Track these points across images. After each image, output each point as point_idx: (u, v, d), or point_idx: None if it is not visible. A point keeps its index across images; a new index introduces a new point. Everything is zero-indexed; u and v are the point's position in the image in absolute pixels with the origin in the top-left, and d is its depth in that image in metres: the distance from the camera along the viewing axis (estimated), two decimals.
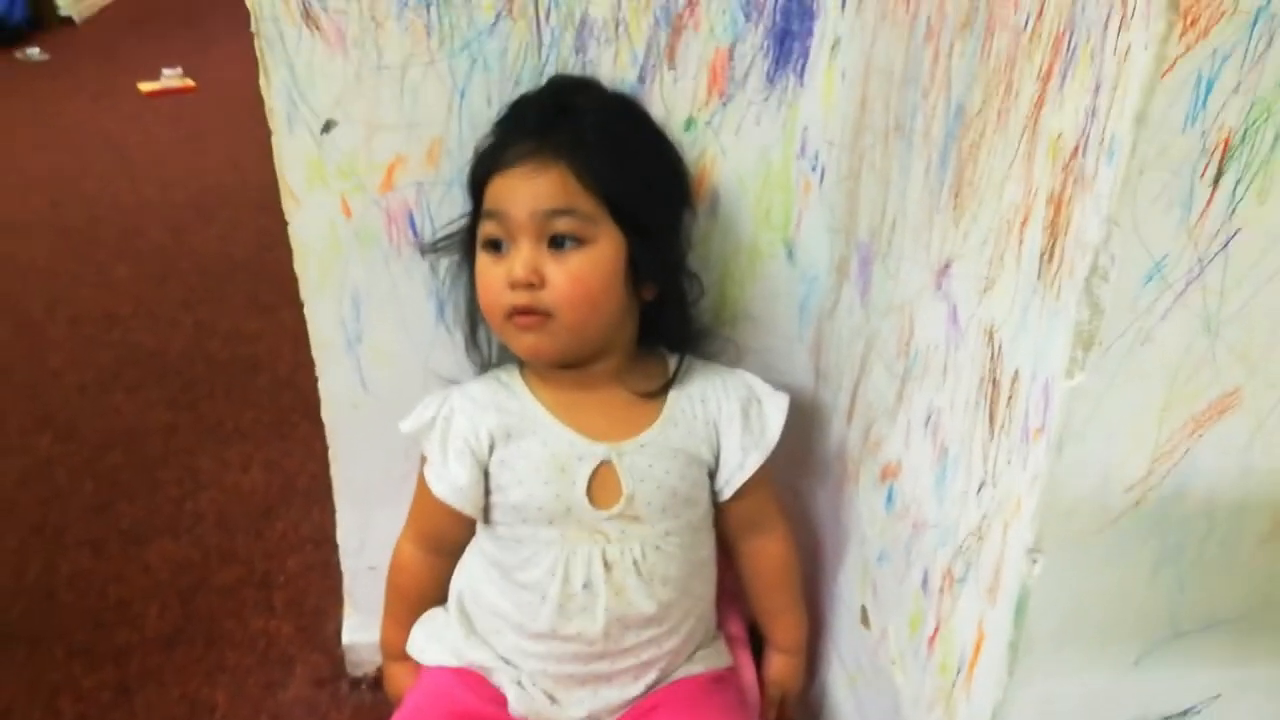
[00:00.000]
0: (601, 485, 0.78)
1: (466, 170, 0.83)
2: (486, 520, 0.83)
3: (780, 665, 0.90)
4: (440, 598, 0.89)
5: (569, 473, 0.78)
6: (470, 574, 0.86)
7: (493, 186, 0.77)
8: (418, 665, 0.88)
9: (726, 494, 0.83)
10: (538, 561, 0.79)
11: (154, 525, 1.37)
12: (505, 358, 0.87)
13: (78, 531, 1.36)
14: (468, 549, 0.87)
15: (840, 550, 0.88)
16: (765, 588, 0.89)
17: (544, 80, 0.82)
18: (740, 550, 0.88)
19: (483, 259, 0.78)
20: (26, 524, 1.37)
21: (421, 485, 0.84)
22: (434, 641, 0.86)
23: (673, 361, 0.84)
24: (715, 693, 0.83)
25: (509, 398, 0.82)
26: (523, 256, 0.75)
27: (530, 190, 0.75)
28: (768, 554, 0.88)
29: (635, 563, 0.79)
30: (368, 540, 1.05)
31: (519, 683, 0.81)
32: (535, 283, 0.75)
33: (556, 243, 0.75)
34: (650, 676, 0.81)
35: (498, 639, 0.83)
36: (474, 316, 0.85)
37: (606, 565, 0.78)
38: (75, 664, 1.15)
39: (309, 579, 1.26)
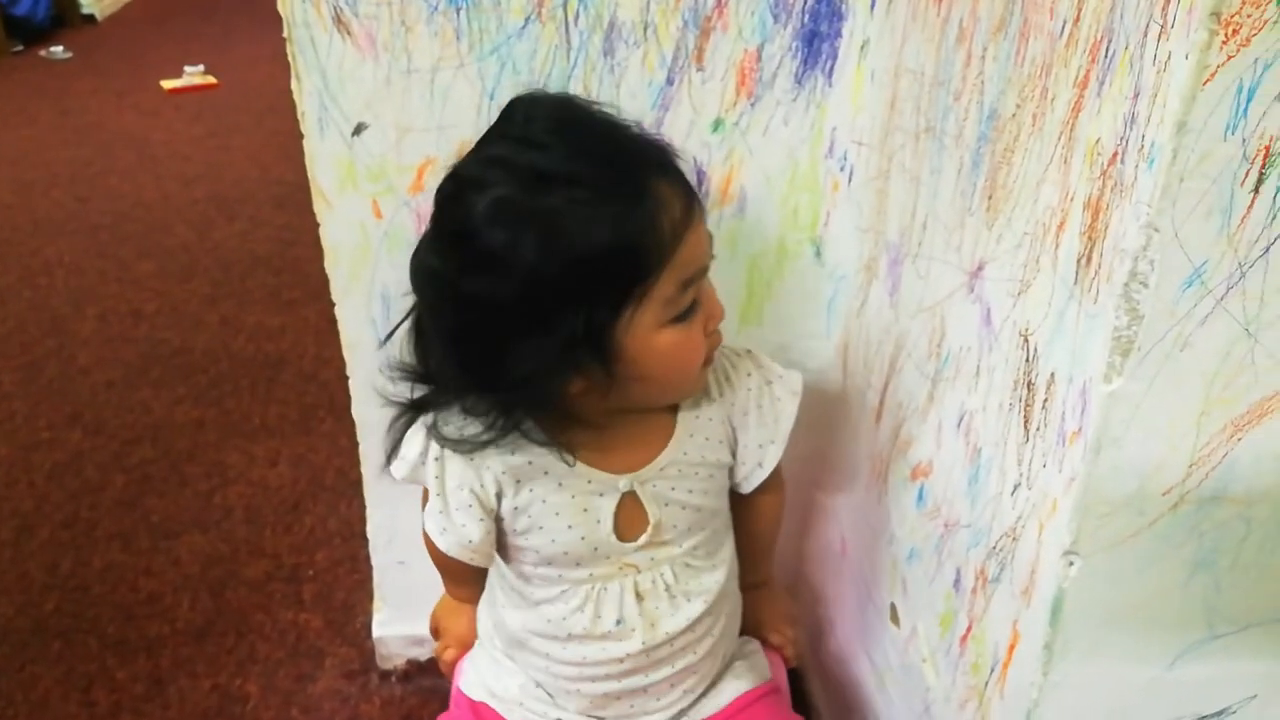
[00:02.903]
0: (626, 517, 0.73)
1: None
2: (505, 557, 0.77)
3: (756, 599, 0.87)
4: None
5: (593, 512, 0.73)
6: (494, 597, 0.82)
7: (684, 251, 0.64)
8: (474, 613, 0.86)
9: (745, 489, 0.79)
10: (565, 599, 0.75)
11: (183, 519, 1.39)
12: None
13: (108, 525, 1.38)
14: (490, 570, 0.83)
15: (868, 548, 0.88)
16: (756, 535, 0.85)
17: (572, 84, 0.82)
18: (737, 504, 0.82)
19: (677, 332, 0.66)
20: (58, 518, 1.40)
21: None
22: (473, 668, 0.83)
23: None
24: (768, 711, 0.81)
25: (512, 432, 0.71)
26: (714, 296, 0.70)
27: (706, 233, 0.68)
28: (765, 507, 0.84)
29: (667, 587, 0.75)
30: (397, 536, 1.06)
31: None
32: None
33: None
34: (688, 681, 0.78)
35: (526, 658, 0.79)
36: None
37: (639, 596, 0.75)
38: (109, 656, 1.17)
39: (337, 573, 1.28)
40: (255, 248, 2.21)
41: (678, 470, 0.74)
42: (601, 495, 0.73)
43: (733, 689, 0.81)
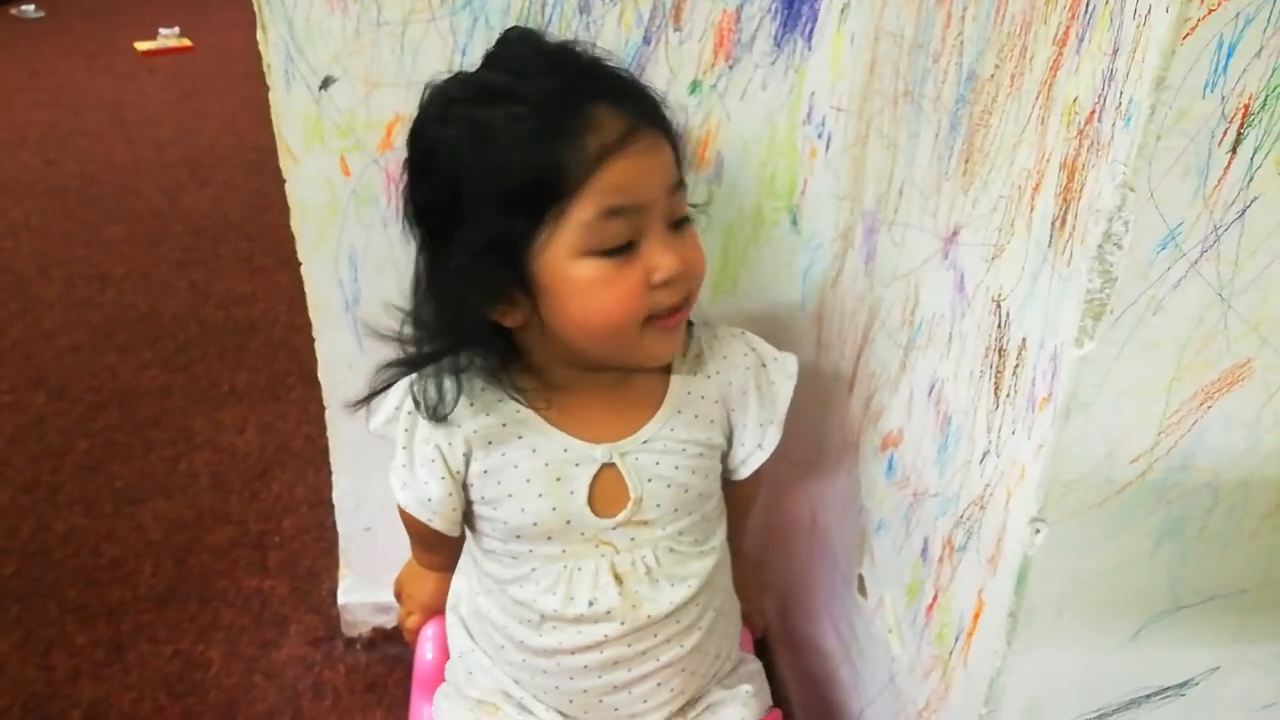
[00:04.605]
0: (604, 491, 0.70)
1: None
2: (473, 529, 0.75)
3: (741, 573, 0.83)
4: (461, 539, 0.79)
5: (567, 482, 0.69)
6: (467, 579, 0.78)
7: (610, 175, 0.61)
8: (440, 580, 0.83)
9: (743, 474, 0.75)
10: (535, 579, 0.71)
11: (147, 485, 1.36)
12: None
13: (70, 490, 1.36)
14: (464, 546, 0.80)
15: (838, 520, 0.88)
16: (732, 512, 0.80)
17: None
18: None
19: (595, 266, 0.63)
20: (19, 482, 1.37)
21: None
22: (449, 699, 0.78)
23: None
24: None
25: (489, 392, 0.70)
26: (666, 247, 0.64)
27: (659, 168, 0.64)
28: (748, 488, 0.81)
29: (649, 570, 0.70)
30: (363, 502, 1.05)
31: None
32: (687, 273, 0.65)
33: (676, 222, 0.66)
34: (675, 681, 0.73)
35: (502, 655, 0.74)
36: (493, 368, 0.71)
37: (618, 578, 0.70)
38: (68, 621, 1.15)
39: (304, 540, 1.26)
40: (228, 213, 2.17)
41: (663, 445, 0.71)
42: (578, 465, 0.70)
43: (736, 716, 0.75)
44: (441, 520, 0.72)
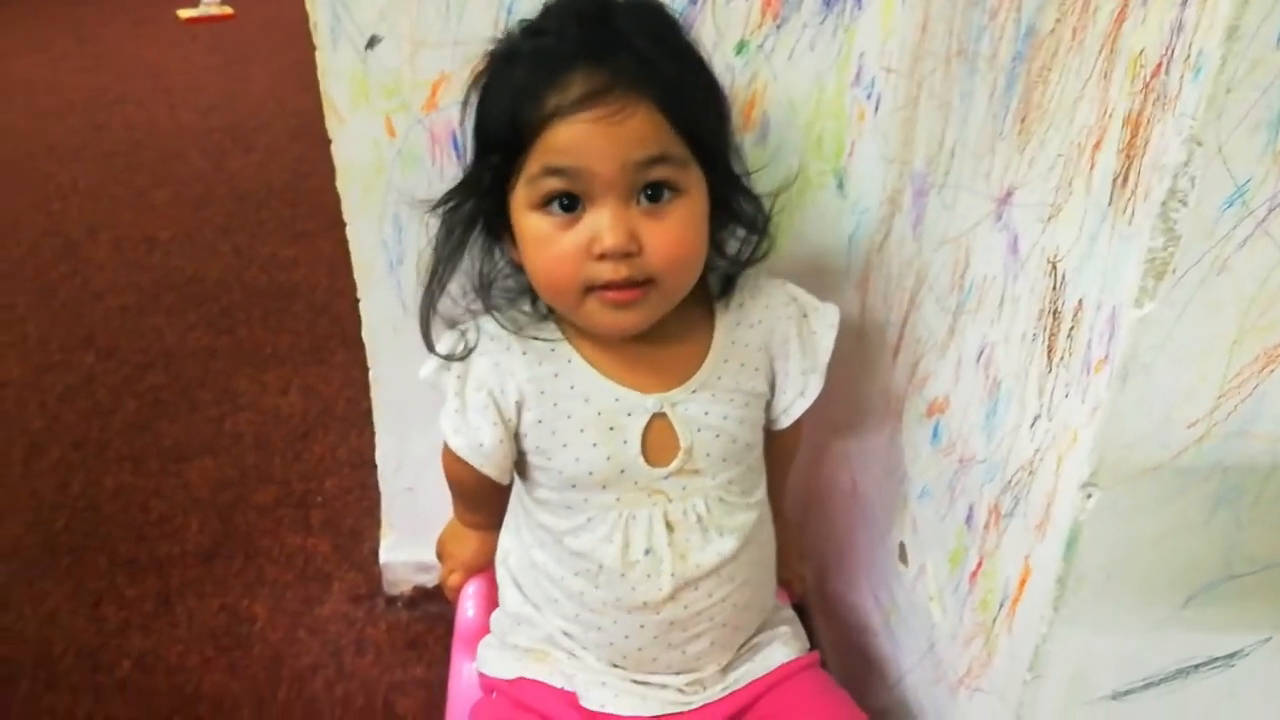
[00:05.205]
0: (655, 441, 0.71)
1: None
2: (524, 478, 0.76)
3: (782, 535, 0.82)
4: (506, 492, 0.80)
5: (620, 431, 0.70)
6: (517, 533, 0.79)
7: (555, 135, 0.63)
8: (482, 539, 0.85)
9: (784, 423, 0.76)
10: (592, 529, 0.72)
11: (193, 444, 1.39)
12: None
13: (119, 447, 1.38)
14: (510, 502, 0.81)
15: (879, 486, 0.87)
16: (771, 468, 0.80)
17: None
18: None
19: (540, 222, 0.65)
20: (69, 439, 1.40)
21: None
22: (493, 650, 0.80)
23: (712, 283, 0.76)
24: (818, 682, 0.77)
25: (541, 341, 0.72)
26: (611, 220, 0.63)
27: (617, 138, 0.62)
28: (788, 440, 0.82)
29: (699, 519, 0.72)
30: (405, 462, 1.06)
31: (603, 684, 0.74)
32: (634, 251, 0.64)
33: (651, 196, 0.65)
34: (726, 638, 0.75)
35: (555, 609, 0.75)
36: (488, 289, 0.74)
37: (669, 526, 0.71)
38: (118, 574, 1.18)
39: (346, 500, 1.28)
40: (270, 178, 2.19)
41: (711, 394, 0.72)
42: (629, 415, 0.70)
43: (780, 654, 0.77)
44: (493, 467, 0.73)
